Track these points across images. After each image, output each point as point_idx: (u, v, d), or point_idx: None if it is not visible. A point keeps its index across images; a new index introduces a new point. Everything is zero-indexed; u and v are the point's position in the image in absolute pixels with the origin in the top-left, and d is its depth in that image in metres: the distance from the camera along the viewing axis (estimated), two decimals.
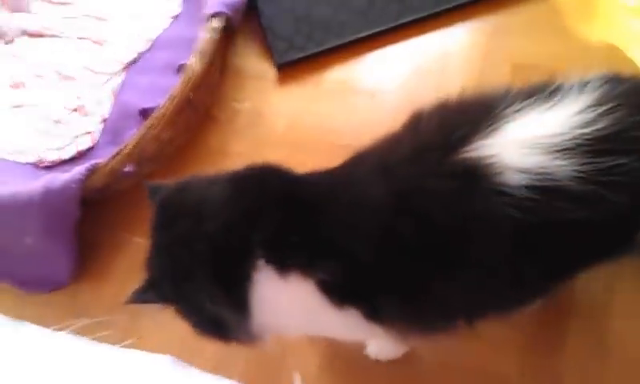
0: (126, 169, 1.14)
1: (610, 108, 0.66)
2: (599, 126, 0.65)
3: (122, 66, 1.41)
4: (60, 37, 1.50)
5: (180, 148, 1.27)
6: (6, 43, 1.50)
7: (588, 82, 0.70)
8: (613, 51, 1.24)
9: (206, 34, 1.19)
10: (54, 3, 1.56)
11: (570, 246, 0.68)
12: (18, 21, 1.52)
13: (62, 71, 1.43)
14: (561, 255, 0.69)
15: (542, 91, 0.70)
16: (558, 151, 0.64)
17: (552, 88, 0.71)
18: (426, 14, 1.33)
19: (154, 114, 1.14)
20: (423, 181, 0.69)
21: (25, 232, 1.13)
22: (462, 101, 0.75)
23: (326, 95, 1.31)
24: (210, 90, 1.29)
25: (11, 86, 1.44)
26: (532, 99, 0.70)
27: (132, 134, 1.15)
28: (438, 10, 1.33)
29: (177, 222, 0.74)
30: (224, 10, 1.23)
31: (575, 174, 0.64)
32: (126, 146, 1.12)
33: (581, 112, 0.67)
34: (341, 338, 0.87)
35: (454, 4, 1.33)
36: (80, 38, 1.48)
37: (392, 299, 0.72)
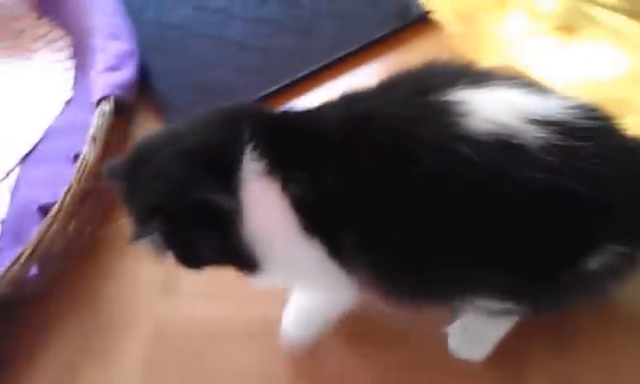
0: (32, 272, 1.06)
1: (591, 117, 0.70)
2: (577, 119, 0.68)
3: (16, 162, 1.33)
4: None
5: (90, 239, 1.20)
6: None
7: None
8: (514, 73, 1.25)
9: (97, 120, 1.14)
10: None
11: (520, 216, 0.68)
12: None
13: None
14: (513, 224, 0.68)
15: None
16: (529, 119, 0.66)
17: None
18: (322, 64, 1.33)
19: (52, 210, 1.07)
20: (381, 108, 0.72)
21: None
22: (445, 64, 0.78)
23: None
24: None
25: None
26: (514, 81, 0.72)
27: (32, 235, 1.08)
28: (334, 58, 1.34)
29: (157, 154, 0.76)
30: (114, 91, 1.19)
31: (540, 141, 0.65)
32: (25, 249, 1.04)
33: (562, 104, 0.70)
34: (307, 281, 0.88)
35: (349, 50, 1.35)
36: None
37: (352, 234, 0.73)
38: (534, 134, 0.65)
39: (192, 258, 0.81)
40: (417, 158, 0.67)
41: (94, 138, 1.12)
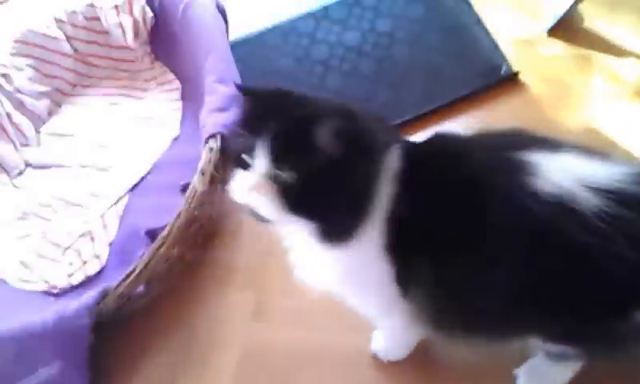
0: (138, 290, 1.17)
1: None
2: (632, 186, 0.75)
3: (126, 190, 1.46)
4: (64, 166, 1.56)
5: (189, 264, 1.30)
6: (12, 178, 1.57)
7: None
8: (594, 134, 1.32)
9: (205, 155, 1.25)
10: (58, 135, 1.63)
11: (572, 273, 0.75)
12: (23, 154, 1.60)
13: (67, 199, 1.49)
14: (563, 281, 0.76)
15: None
16: (587, 187, 0.73)
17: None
18: (413, 116, 1.41)
19: (162, 233, 1.18)
20: (470, 154, 0.80)
21: (38, 363, 1.13)
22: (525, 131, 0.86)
23: None
24: (213, 205, 1.33)
25: (18, 218, 1.49)
26: (584, 151, 0.80)
27: (140, 255, 1.18)
28: (424, 110, 1.41)
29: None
30: (221, 130, 1.29)
31: (594, 208, 0.72)
32: (135, 268, 1.14)
33: (621, 171, 0.76)
34: (367, 299, 0.93)
35: (438, 104, 1.42)
36: (83, 167, 1.55)
37: (423, 261, 0.81)
38: (589, 201, 0.73)
39: (314, 201, 0.78)
40: (491, 203, 0.76)
41: (202, 172, 1.23)
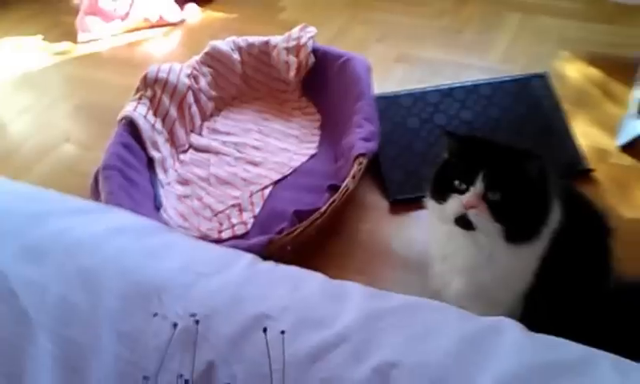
0: (288, 248, 1.53)
1: None
2: None
3: (270, 182, 1.85)
4: (221, 154, 1.97)
5: (311, 247, 1.62)
6: (179, 152, 1.97)
7: None
8: None
9: (356, 166, 1.64)
10: (219, 132, 2.06)
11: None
12: (189, 137, 2.02)
13: (221, 177, 1.89)
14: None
15: None
16: None
17: None
18: None
19: (319, 212, 1.55)
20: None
21: None
22: None
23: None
24: (340, 209, 1.71)
25: (179, 182, 1.89)
26: None
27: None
28: None
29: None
30: (367, 152, 1.69)
31: None
32: (295, 230, 1.51)
33: None
34: (506, 291, 1.18)
35: None
36: (236, 158, 1.95)
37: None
38: None
39: (514, 213, 1.07)
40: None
41: (353, 176, 1.62)
